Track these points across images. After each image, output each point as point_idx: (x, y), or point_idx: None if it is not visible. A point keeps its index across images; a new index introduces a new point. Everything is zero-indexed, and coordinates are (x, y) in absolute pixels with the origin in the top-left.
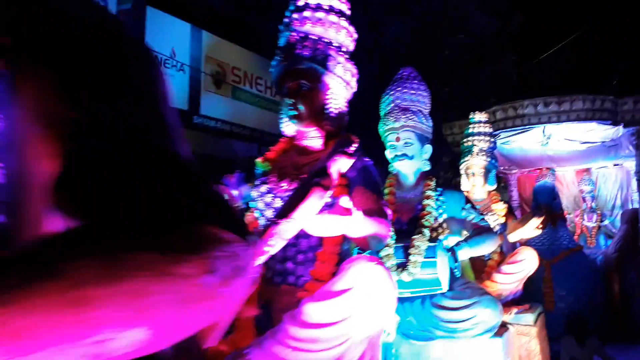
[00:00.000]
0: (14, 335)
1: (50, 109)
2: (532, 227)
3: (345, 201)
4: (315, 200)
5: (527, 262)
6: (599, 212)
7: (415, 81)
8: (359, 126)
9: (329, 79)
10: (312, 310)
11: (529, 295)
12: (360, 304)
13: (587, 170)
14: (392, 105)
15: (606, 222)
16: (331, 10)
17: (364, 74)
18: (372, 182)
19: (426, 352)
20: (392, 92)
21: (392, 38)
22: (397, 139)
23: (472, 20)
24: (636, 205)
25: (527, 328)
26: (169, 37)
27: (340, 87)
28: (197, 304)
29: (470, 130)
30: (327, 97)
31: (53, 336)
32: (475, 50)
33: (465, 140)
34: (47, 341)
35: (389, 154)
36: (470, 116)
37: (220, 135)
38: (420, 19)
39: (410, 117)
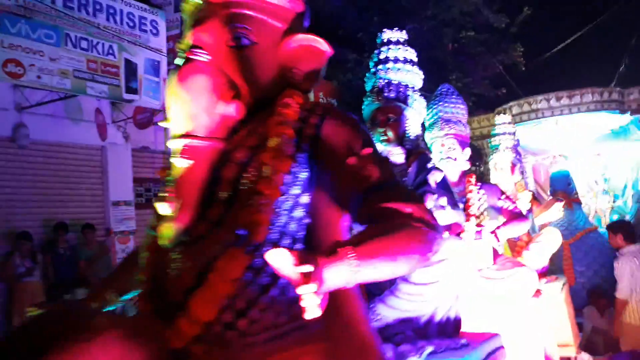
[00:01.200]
0: (377, 259)
1: (340, 167)
2: (556, 211)
3: (443, 201)
4: (429, 202)
5: (551, 241)
6: (611, 193)
7: (454, 96)
8: None
9: (408, 112)
10: (418, 274)
11: (552, 272)
12: (452, 269)
13: (599, 154)
14: (436, 117)
15: (618, 202)
16: (405, 61)
17: None
18: (446, 185)
19: (477, 313)
20: (435, 106)
21: (409, 37)
22: (442, 145)
23: (482, 17)
24: None
25: (555, 294)
26: None
27: (416, 116)
28: (428, 259)
29: (496, 131)
30: (407, 125)
31: (393, 259)
32: (486, 45)
33: (492, 139)
34: (389, 261)
35: (435, 157)
36: (495, 118)
37: None
38: (434, 19)
39: (452, 127)
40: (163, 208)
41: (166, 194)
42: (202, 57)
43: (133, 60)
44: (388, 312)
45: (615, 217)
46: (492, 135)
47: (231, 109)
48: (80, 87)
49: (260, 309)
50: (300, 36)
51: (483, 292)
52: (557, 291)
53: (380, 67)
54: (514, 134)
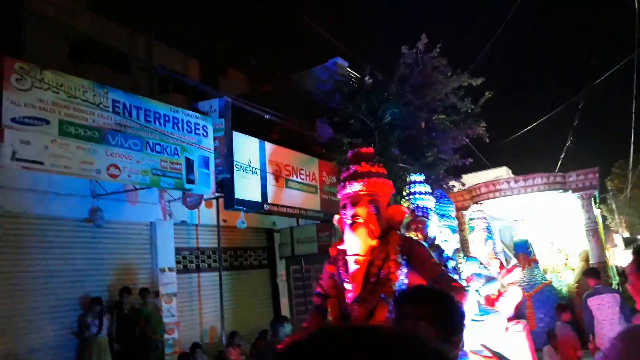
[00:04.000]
0: None
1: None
2: (517, 274)
3: (455, 277)
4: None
5: (513, 296)
6: (564, 252)
7: (445, 198)
8: None
9: (428, 223)
10: None
11: (517, 317)
12: None
13: (552, 220)
14: (434, 213)
15: (570, 259)
16: (425, 193)
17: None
18: (454, 267)
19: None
20: (435, 206)
21: (389, 120)
22: (440, 232)
23: (450, 101)
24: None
25: (518, 332)
26: (247, 150)
27: (433, 225)
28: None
29: (472, 216)
30: (428, 231)
31: None
32: (454, 123)
33: (470, 222)
34: None
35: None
36: (471, 207)
37: (279, 214)
38: (411, 104)
39: (445, 220)
40: (348, 286)
41: (347, 279)
42: (360, 219)
43: (191, 157)
44: None
45: (568, 272)
46: (470, 219)
47: (374, 242)
48: (156, 181)
49: None
50: (394, 205)
51: (470, 329)
52: (519, 330)
53: (411, 197)
54: (485, 218)
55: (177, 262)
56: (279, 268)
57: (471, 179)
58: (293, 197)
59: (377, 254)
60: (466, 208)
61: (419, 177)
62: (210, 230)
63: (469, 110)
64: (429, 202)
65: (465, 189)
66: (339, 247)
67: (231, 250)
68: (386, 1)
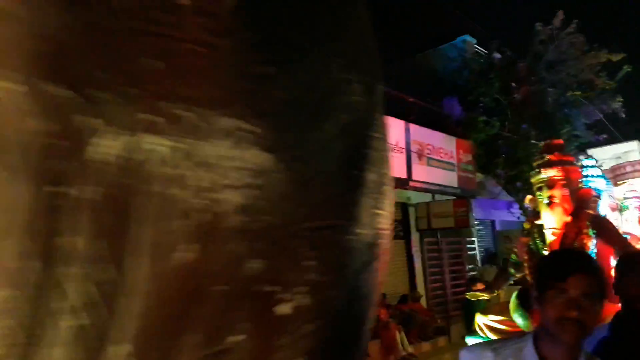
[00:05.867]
0: None
1: None
2: None
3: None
4: None
5: None
6: None
7: (605, 179)
8: None
9: (600, 201)
10: None
11: None
12: None
13: None
14: (605, 193)
15: None
16: (597, 176)
17: None
18: None
19: None
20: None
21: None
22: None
23: (586, 76)
24: None
25: None
26: (394, 131)
27: (604, 202)
28: None
29: (626, 196)
30: (600, 208)
31: None
32: (589, 98)
33: (624, 201)
34: None
35: None
36: (625, 186)
37: (421, 190)
38: (543, 82)
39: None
40: (545, 253)
41: (545, 248)
42: (556, 200)
43: None
44: None
45: None
46: (624, 199)
47: (567, 218)
48: None
49: None
50: (584, 188)
51: None
52: None
53: (584, 179)
54: (639, 198)
55: None
56: (413, 240)
57: (598, 153)
58: (433, 174)
59: (571, 228)
60: None
61: (591, 161)
62: None
63: (607, 87)
64: (600, 183)
65: (601, 167)
66: (535, 222)
67: None
68: None
